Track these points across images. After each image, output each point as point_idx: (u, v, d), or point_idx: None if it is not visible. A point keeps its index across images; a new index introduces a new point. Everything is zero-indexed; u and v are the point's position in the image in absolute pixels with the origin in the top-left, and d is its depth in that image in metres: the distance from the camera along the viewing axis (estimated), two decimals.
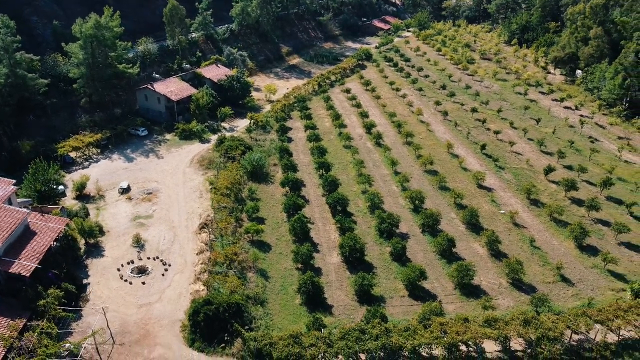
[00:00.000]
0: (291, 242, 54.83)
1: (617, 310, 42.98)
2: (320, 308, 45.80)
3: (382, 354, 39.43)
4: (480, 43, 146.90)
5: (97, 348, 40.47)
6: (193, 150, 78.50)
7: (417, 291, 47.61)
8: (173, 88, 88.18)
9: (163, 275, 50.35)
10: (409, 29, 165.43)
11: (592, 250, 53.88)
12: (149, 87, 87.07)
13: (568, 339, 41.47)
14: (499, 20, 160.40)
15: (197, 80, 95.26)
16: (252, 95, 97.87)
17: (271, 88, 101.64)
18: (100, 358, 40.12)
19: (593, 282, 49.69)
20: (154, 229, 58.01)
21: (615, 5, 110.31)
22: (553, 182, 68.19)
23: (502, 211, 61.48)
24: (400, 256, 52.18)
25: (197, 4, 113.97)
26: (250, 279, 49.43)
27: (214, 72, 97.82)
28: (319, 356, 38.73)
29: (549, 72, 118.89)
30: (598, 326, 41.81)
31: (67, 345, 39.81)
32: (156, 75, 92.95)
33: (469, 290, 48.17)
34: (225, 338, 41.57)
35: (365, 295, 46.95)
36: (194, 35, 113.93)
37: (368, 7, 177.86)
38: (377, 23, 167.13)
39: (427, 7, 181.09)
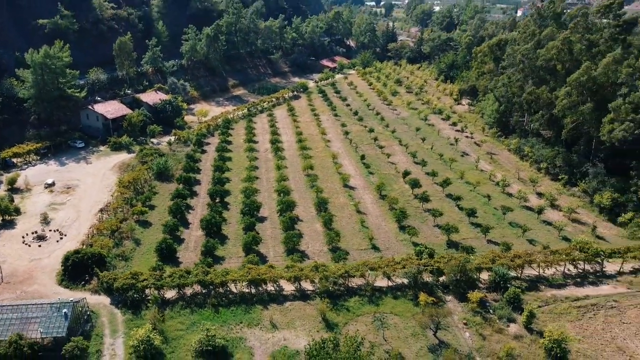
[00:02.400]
0: (169, 220, 68.14)
1: (390, 263, 56.27)
2: (172, 263, 58.82)
3: (200, 288, 52.50)
4: (412, 79, 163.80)
5: None
6: (118, 159, 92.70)
7: (251, 253, 60.64)
8: (110, 108, 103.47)
9: (57, 241, 63.62)
10: (354, 68, 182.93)
11: (409, 230, 67.08)
12: (90, 107, 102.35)
13: (347, 282, 54.54)
14: (434, 60, 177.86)
15: (135, 104, 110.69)
16: (183, 117, 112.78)
17: (202, 112, 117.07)
18: None
19: (397, 249, 62.91)
20: (63, 212, 71.59)
21: (507, 45, 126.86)
22: (407, 183, 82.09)
23: (352, 202, 75.06)
24: (250, 229, 65.43)
25: (147, 41, 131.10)
26: (125, 244, 62.70)
27: (152, 97, 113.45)
28: (148, 285, 51.78)
29: (459, 103, 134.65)
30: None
31: None
32: (98, 98, 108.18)
33: (298, 254, 61.15)
34: (86, 278, 54.72)
35: (210, 255, 59.97)
36: (144, 67, 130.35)
37: (320, 48, 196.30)
38: (325, 62, 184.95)
39: (376, 49, 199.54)
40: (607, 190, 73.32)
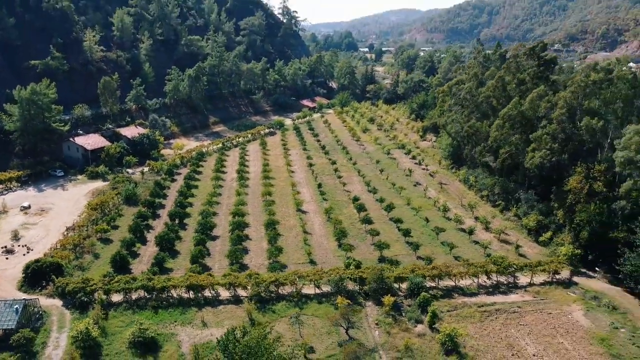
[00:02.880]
0: (127, 237, 74.55)
1: (318, 272, 62.50)
2: (124, 273, 64.95)
3: (144, 293, 58.65)
4: (385, 118, 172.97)
5: None
6: (93, 186, 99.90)
7: (198, 265, 66.82)
8: (90, 141, 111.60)
9: (24, 255, 69.97)
10: (332, 107, 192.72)
11: (345, 246, 73.32)
12: (71, 139, 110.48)
13: (278, 289, 60.63)
14: (407, 100, 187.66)
15: (115, 137, 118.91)
16: (159, 150, 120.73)
17: (179, 145, 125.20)
18: None
19: (332, 263, 68.90)
20: (34, 230, 78.27)
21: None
22: (355, 207, 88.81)
23: (301, 224, 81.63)
24: (203, 243, 71.80)
25: (131, 80, 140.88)
26: (84, 257, 69.08)
27: (131, 131, 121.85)
28: (96, 289, 57.95)
29: (424, 139, 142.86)
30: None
31: None
32: (80, 132, 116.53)
33: (238, 265, 67.37)
34: (43, 284, 60.95)
35: (160, 267, 66.19)
36: (128, 104, 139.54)
37: (302, 89, 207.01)
38: (306, 102, 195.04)
39: (355, 90, 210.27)
40: (534, 213, 79.97)
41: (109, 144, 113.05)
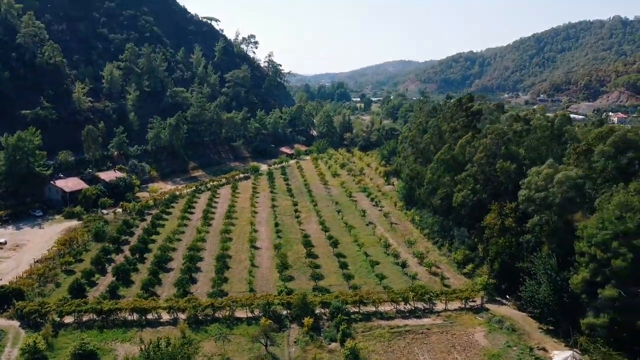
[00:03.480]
0: (88, 267, 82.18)
1: (251, 298, 70.02)
2: (81, 298, 72.39)
3: (94, 315, 66.04)
4: (357, 164, 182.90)
5: None
6: (68, 225, 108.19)
7: (146, 292, 74.25)
8: (69, 184, 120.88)
9: None
10: (309, 154, 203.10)
11: (285, 277, 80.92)
12: (52, 182, 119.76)
13: (215, 313, 68.03)
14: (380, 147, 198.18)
15: (94, 180, 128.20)
16: (135, 192, 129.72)
17: (154, 188, 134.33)
18: None
19: (270, 292, 76.41)
20: (6, 263, 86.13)
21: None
22: (303, 244, 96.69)
23: (251, 258, 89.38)
24: (155, 274, 79.42)
25: (114, 129, 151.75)
26: (47, 285, 76.73)
27: (110, 175, 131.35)
28: (50, 311, 65.43)
29: (389, 183, 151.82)
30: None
31: None
32: (61, 175, 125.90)
33: (186, 293, 74.76)
34: (5, 307, 68.46)
35: (114, 294, 73.70)
36: (110, 150, 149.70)
37: (282, 137, 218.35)
38: (284, 149, 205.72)
39: (334, 138, 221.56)
40: (462, 248, 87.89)
41: (87, 186, 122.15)
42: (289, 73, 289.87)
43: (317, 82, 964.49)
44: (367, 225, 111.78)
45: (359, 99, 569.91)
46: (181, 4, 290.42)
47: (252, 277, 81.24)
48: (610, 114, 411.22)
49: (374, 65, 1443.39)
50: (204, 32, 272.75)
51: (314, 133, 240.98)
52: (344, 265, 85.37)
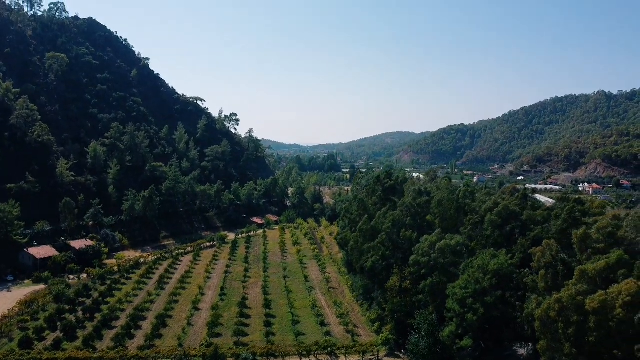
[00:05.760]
0: (40, 323, 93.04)
1: (172, 351, 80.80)
2: (28, 350, 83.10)
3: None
4: (320, 233, 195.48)
5: None
6: (35, 288, 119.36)
7: (87, 347, 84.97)
8: (41, 251, 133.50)
9: None
10: (280, 224, 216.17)
11: (217, 335, 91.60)
12: (25, 249, 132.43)
13: None
14: None
15: (65, 248, 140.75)
16: (102, 260, 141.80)
17: (121, 256, 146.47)
18: None
19: (196, 346, 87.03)
20: None
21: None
22: (238, 306, 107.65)
23: (189, 317, 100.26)
24: (99, 331, 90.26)
25: (91, 201, 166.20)
26: (2, 340, 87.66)
27: (80, 243, 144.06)
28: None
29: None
30: None
31: None
32: (34, 243, 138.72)
33: (123, 347, 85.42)
34: None
35: (57, 348, 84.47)
36: (86, 221, 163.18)
37: (256, 207, 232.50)
38: (255, 219, 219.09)
39: (305, 208, 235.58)
40: (375, 308, 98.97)
41: (57, 253, 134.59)
42: (268, 148, 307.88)
43: (315, 152, 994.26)
44: (306, 289, 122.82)
45: (347, 170, 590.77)
46: (171, 85, 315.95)
47: (184, 334, 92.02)
48: (586, 184, 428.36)
49: (372, 137, 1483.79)
50: (189, 110, 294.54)
51: (288, 203, 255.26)
52: (269, 324, 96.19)
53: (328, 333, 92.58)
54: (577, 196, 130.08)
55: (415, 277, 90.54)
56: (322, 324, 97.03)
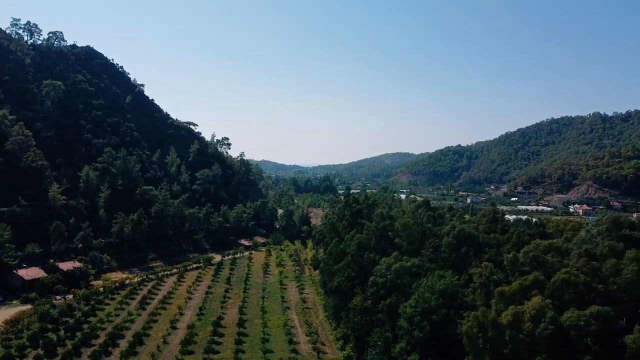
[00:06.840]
0: (23, 341, 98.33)
1: None
2: None
3: None
4: (304, 254, 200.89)
5: None
6: (22, 308, 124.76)
7: None
8: (30, 273, 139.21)
9: None
10: (267, 245, 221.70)
11: (189, 353, 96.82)
12: (14, 271, 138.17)
13: None
14: None
15: (54, 269, 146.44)
16: (89, 281, 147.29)
17: (107, 277, 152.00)
18: None
19: None
20: None
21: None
22: (213, 325, 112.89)
23: (165, 336, 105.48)
24: (77, 348, 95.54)
25: (81, 224, 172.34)
26: None
27: (68, 265, 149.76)
28: None
29: None
30: None
31: None
32: (24, 265, 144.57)
33: None
34: None
35: None
36: (75, 243, 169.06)
37: (245, 229, 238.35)
38: (243, 241, 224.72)
39: (292, 230, 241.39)
40: (342, 327, 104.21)
41: (45, 275, 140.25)
42: (260, 171, 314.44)
43: (315, 173, 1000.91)
44: (282, 309, 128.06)
45: (342, 192, 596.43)
46: (165, 110, 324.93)
47: (159, 351, 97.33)
48: (577, 205, 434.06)
49: (372, 157, 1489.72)
50: (182, 135, 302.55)
51: (277, 225, 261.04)
52: (240, 342, 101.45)
53: (295, 351, 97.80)
54: (538, 218, 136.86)
55: (376, 297, 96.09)
56: (291, 342, 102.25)
